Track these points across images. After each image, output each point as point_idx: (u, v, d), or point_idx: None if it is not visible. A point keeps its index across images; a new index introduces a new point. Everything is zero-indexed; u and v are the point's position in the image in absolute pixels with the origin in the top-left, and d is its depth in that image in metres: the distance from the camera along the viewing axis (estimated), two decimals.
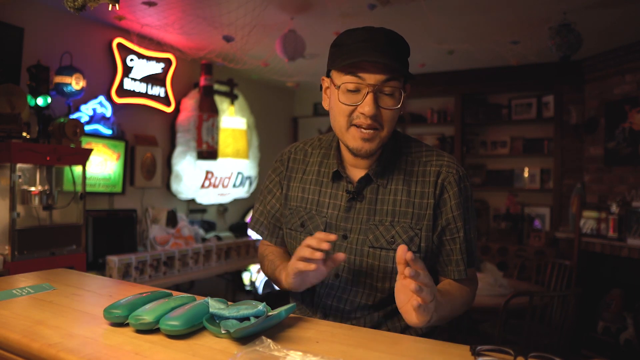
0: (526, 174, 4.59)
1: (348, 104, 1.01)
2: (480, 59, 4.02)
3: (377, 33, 1.00)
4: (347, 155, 1.11)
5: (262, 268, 1.23)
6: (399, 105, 1.02)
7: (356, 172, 1.12)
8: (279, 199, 1.22)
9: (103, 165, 3.32)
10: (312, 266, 0.94)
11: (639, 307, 3.32)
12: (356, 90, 1.01)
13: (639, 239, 3.31)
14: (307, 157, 1.21)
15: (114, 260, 2.88)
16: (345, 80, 1.01)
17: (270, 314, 0.87)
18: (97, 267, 3.03)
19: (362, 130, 1.02)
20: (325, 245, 0.93)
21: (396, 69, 0.99)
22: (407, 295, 0.88)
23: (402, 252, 0.84)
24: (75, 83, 2.86)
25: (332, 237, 0.94)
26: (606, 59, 3.88)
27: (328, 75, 1.09)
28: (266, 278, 4.25)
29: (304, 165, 1.20)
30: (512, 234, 4.46)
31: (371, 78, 0.99)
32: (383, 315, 1.08)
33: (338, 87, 1.03)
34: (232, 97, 4.43)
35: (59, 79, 2.85)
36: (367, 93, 0.99)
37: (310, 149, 1.22)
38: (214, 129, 3.98)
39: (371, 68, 0.98)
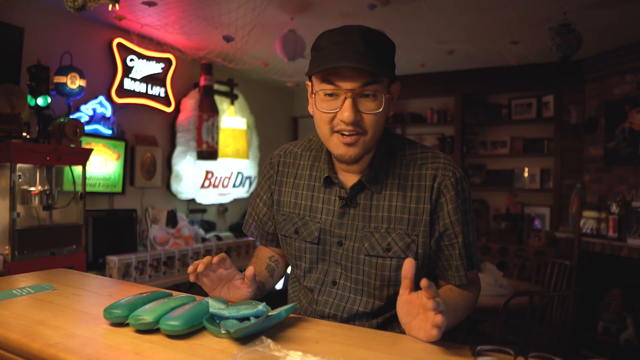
0: (526, 174, 4.59)
1: (327, 111, 0.98)
2: (480, 59, 4.02)
3: (352, 34, 0.94)
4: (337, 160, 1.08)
5: None
6: (381, 109, 0.97)
7: (349, 177, 1.08)
8: (266, 202, 1.20)
9: (103, 165, 3.32)
10: (191, 277, 0.97)
11: (639, 307, 3.32)
12: (334, 97, 0.97)
13: (639, 239, 3.31)
14: (297, 160, 1.17)
15: (114, 260, 2.88)
16: (322, 87, 0.97)
17: (270, 314, 0.87)
18: (97, 267, 3.03)
19: (345, 136, 0.98)
20: (200, 267, 0.95)
21: (374, 72, 0.93)
22: (410, 312, 0.85)
23: (410, 267, 0.81)
24: (71, 82, 2.84)
25: (215, 259, 0.97)
26: (606, 59, 3.88)
27: (310, 80, 1.05)
28: None
29: (294, 169, 1.16)
30: (512, 234, 4.46)
31: (347, 84, 0.94)
32: (382, 321, 1.07)
33: (316, 94, 0.99)
34: (232, 97, 4.43)
35: (58, 79, 2.85)
36: (345, 99, 0.95)
37: (300, 151, 1.18)
38: (214, 129, 3.98)
39: (347, 73, 0.94)
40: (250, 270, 0.98)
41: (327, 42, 0.97)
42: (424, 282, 0.77)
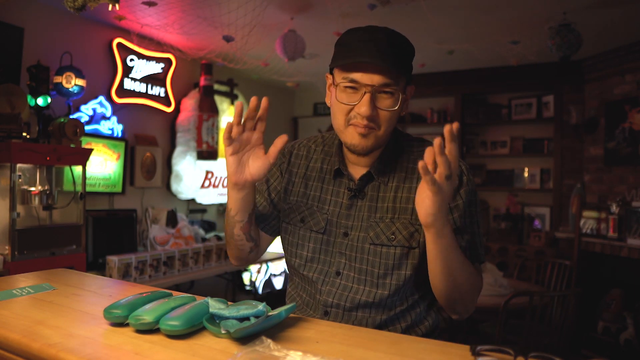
0: (526, 174, 4.59)
1: (346, 103, 1.03)
2: (480, 59, 4.02)
3: (378, 33, 1.00)
4: (348, 153, 1.13)
5: (225, 228, 1.17)
6: (397, 107, 1.02)
7: (358, 170, 1.12)
8: (275, 188, 1.21)
9: (103, 165, 3.32)
10: (235, 131, 0.98)
11: (639, 307, 3.32)
12: (354, 90, 1.02)
13: (639, 239, 3.31)
14: (310, 154, 1.21)
15: (114, 260, 2.88)
16: (344, 79, 1.02)
17: (270, 314, 0.87)
18: (97, 267, 3.03)
19: (359, 127, 1.03)
20: (264, 103, 0.99)
21: (394, 71, 0.99)
22: (423, 194, 0.88)
23: (428, 155, 0.82)
24: (66, 82, 2.83)
25: (264, 101, 1.00)
26: (606, 59, 3.88)
27: (331, 73, 1.10)
28: (266, 278, 4.25)
29: (306, 161, 1.20)
30: (512, 234, 4.46)
31: (368, 79, 0.99)
32: (385, 318, 1.08)
33: (337, 86, 1.04)
34: (232, 97, 4.44)
35: (57, 79, 2.85)
36: (364, 93, 1.00)
37: (313, 146, 1.23)
38: (214, 129, 3.98)
39: (369, 69, 0.99)
40: (282, 139, 1.00)
41: (353, 38, 1.03)
42: (455, 125, 0.80)
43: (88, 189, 3.11)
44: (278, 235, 1.25)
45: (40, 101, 2.73)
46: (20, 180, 2.60)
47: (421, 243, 1.05)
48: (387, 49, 0.98)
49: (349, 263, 1.09)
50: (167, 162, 3.94)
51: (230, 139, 0.99)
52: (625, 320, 3.35)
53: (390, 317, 1.08)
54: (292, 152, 1.23)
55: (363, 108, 0.99)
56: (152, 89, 3.70)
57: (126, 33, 3.47)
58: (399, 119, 1.13)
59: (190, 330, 0.83)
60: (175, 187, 3.95)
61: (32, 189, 2.65)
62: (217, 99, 4.20)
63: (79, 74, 2.91)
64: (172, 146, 3.96)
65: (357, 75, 1.00)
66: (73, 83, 2.86)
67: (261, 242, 1.23)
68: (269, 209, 1.21)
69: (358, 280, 1.09)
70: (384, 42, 0.99)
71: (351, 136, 1.05)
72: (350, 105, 1.02)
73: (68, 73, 2.85)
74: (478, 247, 1.08)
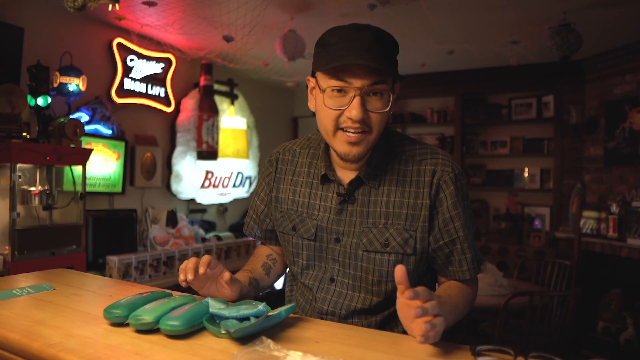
0: (526, 174, 4.59)
1: (334, 108, 0.97)
2: (480, 59, 4.02)
3: (363, 32, 0.94)
4: (336, 157, 1.08)
5: None
6: (388, 108, 0.97)
7: (346, 174, 1.08)
8: (263, 200, 1.22)
9: (103, 165, 3.32)
10: (183, 284, 0.96)
11: (639, 307, 3.32)
12: (342, 94, 0.96)
13: (639, 239, 3.31)
14: (295, 157, 1.18)
15: (114, 260, 2.88)
16: (331, 83, 0.96)
17: (270, 314, 0.87)
18: (97, 267, 3.03)
19: (350, 134, 0.98)
20: (190, 277, 0.93)
21: (384, 71, 0.94)
22: (410, 314, 0.82)
23: (401, 274, 0.80)
24: (54, 81, 2.82)
25: (201, 269, 0.93)
26: (606, 59, 3.88)
27: (313, 76, 1.04)
28: None
29: (293, 166, 1.17)
30: (512, 234, 4.46)
31: (357, 81, 0.94)
32: (381, 319, 1.07)
33: (324, 91, 0.98)
34: (232, 97, 4.44)
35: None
36: (354, 97, 0.95)
37: (298, 149, 1.19)
38: (214, 129, 3.98)
39: (357, 71, 0.94)
40: (226, 275, 0.97)
41: (336, 38, 0.97)
42: (407, 293, 0.77)
43: (88, 189, 3.11)
44: None
45: (40, 101, 2.73)
46: (20, 180, 2.60)
47: (417, 249, 1.03)
48: (374, 47, 0.93)
49: (343, 269, 1.07)
50: (167, 162, 3.94)
51: (191, 280, 0.95)
52: (625, 320, 3.34)
53: (386, 318, 1.07)
54: (278, 158, 1.21)
55: (354, 112, 0.94)
56: (152, 89, 3.70)
57: (126, 33, 3.46)
58: (399, 119, 1.12)
59: (190, 330, 0.83)
60: (175, 187, 3.95)
61: (32, 189, 2.64)
62: (217, 99, 4.20)
63: (71, 73, 2.86)
64: (172, 146, 3.96)
65: (345, 79, 0.94)
66: (58, 81, 2.82)
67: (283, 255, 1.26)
68: (271, 224, 1.22)
69: (352, 287, 1.07)
70: (371, 41, 0.93)
71: (341, 144, 1.00)
72: (340, 110, 0.97)
73: (56, 72, 2.83)
74: (476, 251, 1.06)
